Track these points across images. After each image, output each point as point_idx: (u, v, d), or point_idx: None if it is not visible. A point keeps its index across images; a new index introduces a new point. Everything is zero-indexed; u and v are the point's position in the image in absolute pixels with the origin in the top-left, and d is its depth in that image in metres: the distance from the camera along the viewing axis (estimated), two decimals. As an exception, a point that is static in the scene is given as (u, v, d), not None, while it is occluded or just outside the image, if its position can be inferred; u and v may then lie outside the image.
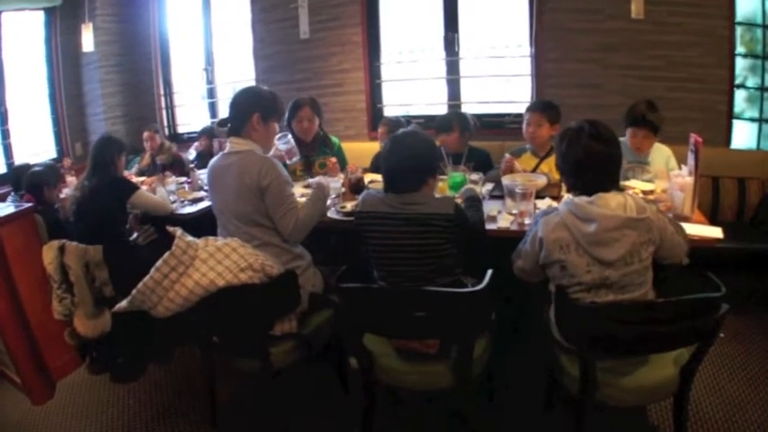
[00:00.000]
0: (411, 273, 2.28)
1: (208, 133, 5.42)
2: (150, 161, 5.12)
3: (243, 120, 2.59)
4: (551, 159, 3.39)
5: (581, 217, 2.02)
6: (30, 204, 3.34)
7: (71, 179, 4.32)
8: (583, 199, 2.04)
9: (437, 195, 2.48)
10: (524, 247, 2.24)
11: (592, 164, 2.05)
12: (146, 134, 5.19)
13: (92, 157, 3.38)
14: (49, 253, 3.10)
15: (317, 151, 3.93)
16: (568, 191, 2.22)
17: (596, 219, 1.98)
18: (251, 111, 2.58)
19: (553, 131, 3.46)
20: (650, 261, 2.07)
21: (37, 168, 3.86)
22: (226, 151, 2.62)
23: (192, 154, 5.37)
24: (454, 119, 3.74)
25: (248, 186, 2.48)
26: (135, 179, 4.09)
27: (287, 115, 3.88)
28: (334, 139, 4.10)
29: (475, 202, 2.61)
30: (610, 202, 2.00)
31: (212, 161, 2.70)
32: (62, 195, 3.77)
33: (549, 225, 2.09)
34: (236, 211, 2.55)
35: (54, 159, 5.51)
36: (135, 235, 3.47)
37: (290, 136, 3.38)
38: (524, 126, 3.51)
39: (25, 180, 3.75)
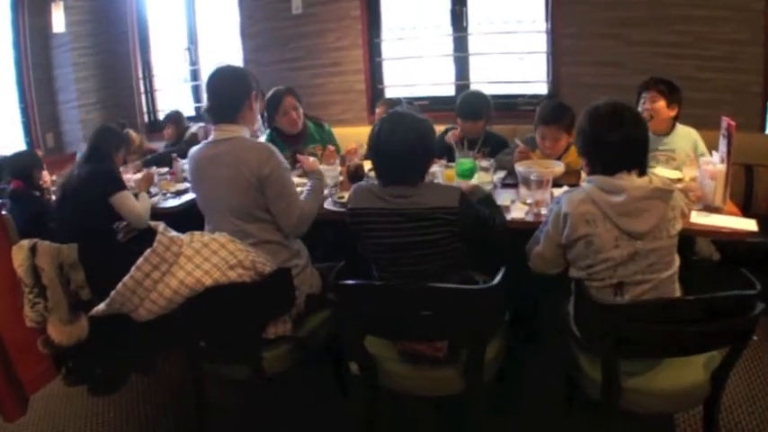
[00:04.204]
0: (417, 273, 2.27)
1: (173, 119, 5.36)
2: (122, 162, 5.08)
3: (239, 104, 2.57)
4: (568, 154, 3.38)
5: (608, 189, 2.10)
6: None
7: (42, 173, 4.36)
8: (607, 176, 2.13)
9: (442, 183, 2.45)
10: (544, 230, 2.29)
11: (630, 152, 2.13)
12: None
13: (88, 145, 3.46)
14: (19, 254, 3.10)
15: (304, 142, 3.94)
16: (589, 174, 2.25)
17: (624, 189, 2.07)
18: (246, 92, 2.58)
19: (571, 138, 3.35)
20: (677, 240, 2.14)
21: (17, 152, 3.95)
22: (211, 139, 2.60)
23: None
24: (484, 106, 3.75)
25: (246, 178, 2.45)
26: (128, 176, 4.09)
27: (266, 113, 3.90)
28: (325, 125, 4.13)
29: (491, 201, 2.58)
30: (634, 180, 2.11)
31: (194, 151, 2.67)
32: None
33: (573, 201, 2.15)
34: (231, 206, 2.52)
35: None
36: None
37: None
38: (537, 138, 3.41)
39: (8, 165, 3.80)
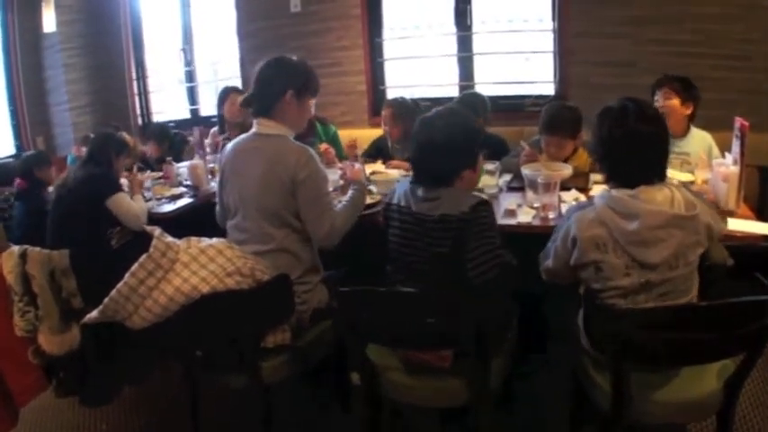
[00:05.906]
0: (425, 278, 2.27)
1: (156, 135, 5.10)
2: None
3: (273, 98, 2.53)
4: (577, 155, 3.38)
5: (621, 212, 2.01)
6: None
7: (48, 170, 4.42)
8: (623, 192, 2.03)
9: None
10: (555, 246, 2.24)
11: (638, 149, 2.03)
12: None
13: (88, 149, 3.56)
14: (8, 261, 3.10)
15: (312, 138, 3.95)
16: (606, 181, 2.19)
17: (639, 215, 1.97)
18: (284, 87, 2.53)
19: (578, 142, 3.36)
20: (697, 264, 2.08)
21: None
22: (253, 131, 2.58)
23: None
24: (479, 106, 3.75)
25: (279, 178, 2.43)
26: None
27: None
28: (331, 126, 4.16)
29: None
30: (655, 197, 2.00)
31: (236, 141, 2.65)
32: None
33: (583, 222, 2.08)
34: (258, 204, 2.49)
35: (13, 156, 5.53)
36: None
37: None
38: (543, 144, 3.39)
39: (17, 166, 4.08)
